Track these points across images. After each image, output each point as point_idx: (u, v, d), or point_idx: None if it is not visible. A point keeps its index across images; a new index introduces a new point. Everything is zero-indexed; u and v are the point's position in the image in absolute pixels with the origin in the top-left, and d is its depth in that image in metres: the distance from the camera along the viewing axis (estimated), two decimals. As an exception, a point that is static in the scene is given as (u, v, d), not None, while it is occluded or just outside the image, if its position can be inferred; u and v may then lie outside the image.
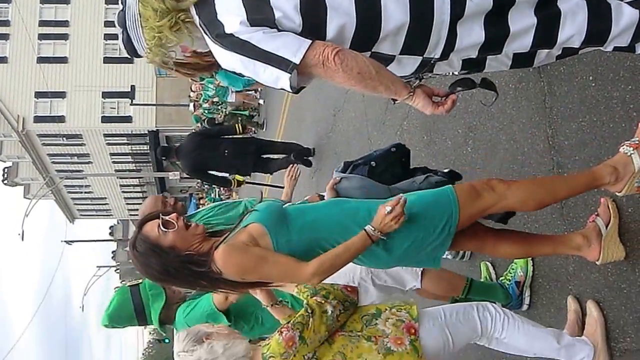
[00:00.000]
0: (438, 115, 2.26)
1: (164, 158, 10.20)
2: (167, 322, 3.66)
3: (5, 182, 46.66)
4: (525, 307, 3.61)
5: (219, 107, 17.76)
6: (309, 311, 2.72)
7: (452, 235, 2.55)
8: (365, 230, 2.51)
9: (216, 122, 17.10)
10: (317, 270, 2.50)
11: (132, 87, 31.02)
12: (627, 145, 2.60)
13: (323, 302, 2.76)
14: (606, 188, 2.64)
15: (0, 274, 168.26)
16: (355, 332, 2.76)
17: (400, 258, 2.65)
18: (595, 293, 3.02)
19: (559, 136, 3.35)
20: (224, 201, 3.73)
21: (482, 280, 3.90)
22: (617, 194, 2.62)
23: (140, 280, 3.61)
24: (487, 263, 3.97)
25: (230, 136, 9.54)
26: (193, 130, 14.14)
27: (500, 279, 3.71)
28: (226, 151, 8.83)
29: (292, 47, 2.05)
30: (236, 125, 10.05)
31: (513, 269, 3.62)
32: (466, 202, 2.53)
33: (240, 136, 9.97)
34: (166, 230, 2.55)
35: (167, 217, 2.59)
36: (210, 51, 2.25)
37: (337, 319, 2.75)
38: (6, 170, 46.19)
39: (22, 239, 32.03)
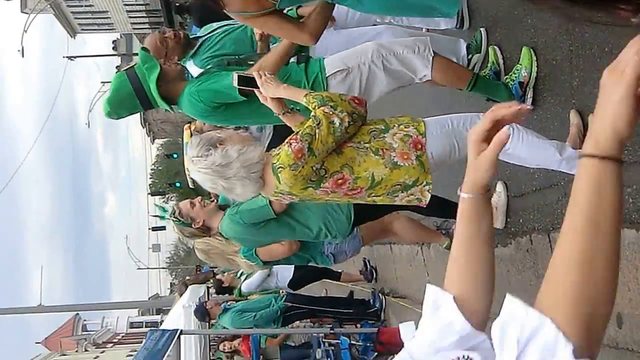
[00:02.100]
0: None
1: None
2: (170, 98, 3.46)
3: (0, -6, 42.20)
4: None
5: None
6: (317, 122, 2.69)
7: None
8: None
9: None
10: None
11: None
12: None
13: (330, 113, 2.70)
14: None
15: (2, 93, 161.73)
16: (363, 144, 2.77)
17: None
18: (597, 107, 3.31)
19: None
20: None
21: (489, 65, 3.87)
22: None
23: (134, 63, 3.48)
24: (495, 47, 3.91)
25: None
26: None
27: (504, 78, 3.69)
28: None
29: None
30: None
31: (517, 70, 3.58)
32: None
33: None
34: None
35: None
36: None
37: (345, 131, 2.72)
38: (0, -18, 41.81)
39: (22, 56, 31.45)
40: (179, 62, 3.93)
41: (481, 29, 4.07)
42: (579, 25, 3.07)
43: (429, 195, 2.86)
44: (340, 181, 2.78)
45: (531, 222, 3.74)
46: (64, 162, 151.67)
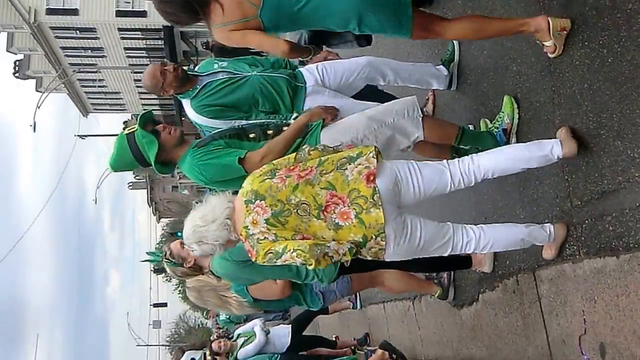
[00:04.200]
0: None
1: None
2: (171, 164, 3.70)
3: (17, 75, 44.75)
4: None
5: None
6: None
7: None
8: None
9: None
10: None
11: (147, -19, 30.12)
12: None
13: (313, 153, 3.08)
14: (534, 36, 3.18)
15: (13, 166, 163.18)
16: (317, 177, 2.92)
17: None
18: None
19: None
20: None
21: (502, 116, 3.82)
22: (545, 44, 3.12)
23: (135, 128, 3.61)
24: (486, 120, 3.99)
25: None
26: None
27: (489, 127, 3.82)
28: None
29: None
30: None
31: (500, 117, 3.71)
32: None
33: None
34: None
35: None
36: None
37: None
38: (17, 62, 44.13)
39: (34, 130, 31.49)
40: (175, 95, 4.03)
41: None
42: (559, 66, 3.21)
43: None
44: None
45: (517, 262, 3.75)
46: (69, 238, 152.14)
